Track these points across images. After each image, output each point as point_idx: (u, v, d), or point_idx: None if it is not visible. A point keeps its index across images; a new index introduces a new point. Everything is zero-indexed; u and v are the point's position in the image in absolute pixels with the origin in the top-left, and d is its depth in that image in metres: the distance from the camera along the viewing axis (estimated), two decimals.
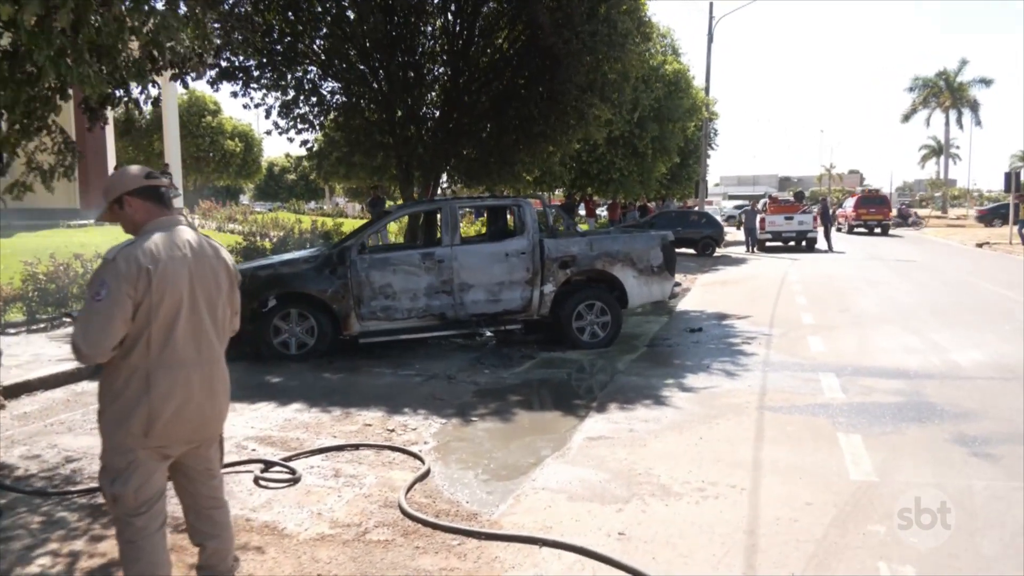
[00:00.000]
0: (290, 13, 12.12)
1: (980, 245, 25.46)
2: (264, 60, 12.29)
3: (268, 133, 12.37)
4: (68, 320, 8.39)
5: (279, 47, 12.36)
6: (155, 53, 4.84)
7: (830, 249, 24.34)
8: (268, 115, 12.55)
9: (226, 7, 11.31)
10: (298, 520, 4.04)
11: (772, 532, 3.81)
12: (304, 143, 13.19)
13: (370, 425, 5.77)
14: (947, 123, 61.66)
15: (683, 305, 12.55)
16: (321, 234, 16.27)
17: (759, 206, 27.20)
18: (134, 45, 5.43)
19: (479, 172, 13.94)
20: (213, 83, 11.77)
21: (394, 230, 18.42)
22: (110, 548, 3.54)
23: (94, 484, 4.29)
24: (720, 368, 7.61)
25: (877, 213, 33.77)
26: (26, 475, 4.71)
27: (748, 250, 25.22)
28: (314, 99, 13.14)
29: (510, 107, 12.78)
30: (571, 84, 11.73)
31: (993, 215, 39.44)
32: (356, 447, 5.24)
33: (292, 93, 12.61)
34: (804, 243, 25.00)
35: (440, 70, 13.89)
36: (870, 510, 4.05)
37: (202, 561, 2.93)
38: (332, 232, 16.74)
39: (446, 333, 8.55)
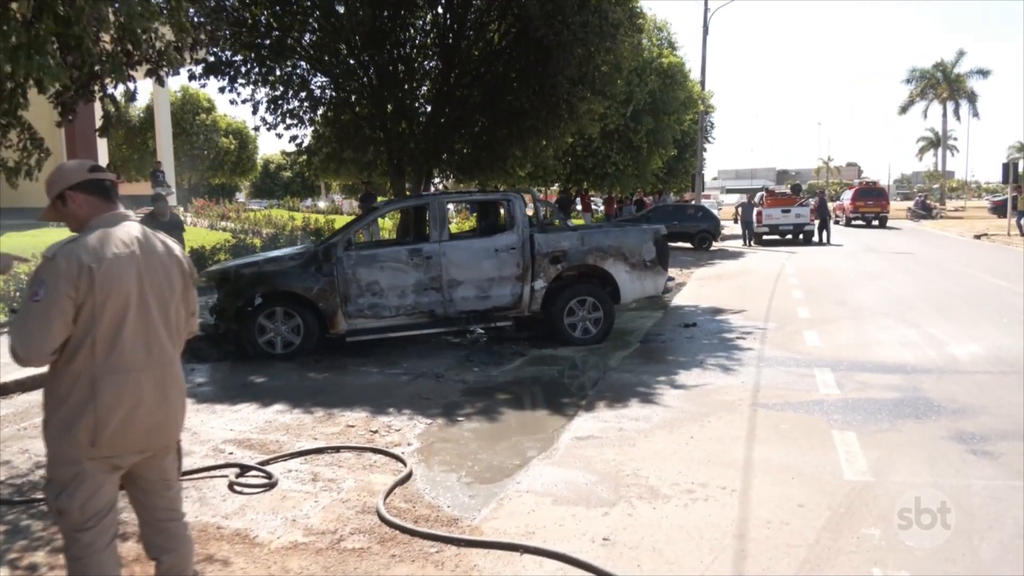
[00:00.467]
0: (278, 7, 11.94)
1: (978, 236, 25.32)
2: (251, 55, 12.11)
3: (256, 129, 12.16)
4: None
5: (267, 41, 12.18)
6: (130, 47, 4.66)
7: (827, 242, 24.19)
8: (255, 111, 12.37)
9: (212, 1, 11.19)
10: (271, 527, 3.89)
11: (762, 536, 3.66)
12: (293, 139, 13.01)
13: (353, 426, 5.62)
14: (945, 115, 61.58)
15: (678, 300, 12.41)
16: (312, 231, 16.09)
17: (756, 199, 27.03)
18: (109, 38, 5.27)
19: (471, 167, 13.77)
20: (193, 77, 11.59)
21: (389, 227, 18.27)
22: None
23: None
24: (714, 364, 7.46)
25: (875, 205, 33.62)
26: None
27: (745, 244, 25.08)
28: (303, 94, 12.96)
29: (502, 101, 12.60)
30: (562, 77, 11.55)
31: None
32: (337, 449, 5.09)
33: (280, 89, 12.41)
34: (801, 236, 24.85)
35: (431, 64, 13.71)
36: (864, 512, 3.90)
37: None
38: (324, 229, 16.57)
39: (435, 331, 8.41)
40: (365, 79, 12.73)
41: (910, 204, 47.76)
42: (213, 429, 5.55)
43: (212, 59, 11.95)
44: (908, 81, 61.22)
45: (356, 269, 8.01)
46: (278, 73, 12.60)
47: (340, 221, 20.89)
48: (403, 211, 11.76)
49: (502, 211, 9.26)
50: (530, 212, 9.70)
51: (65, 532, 2.49)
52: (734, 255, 21.57)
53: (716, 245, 24.11)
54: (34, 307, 2.29)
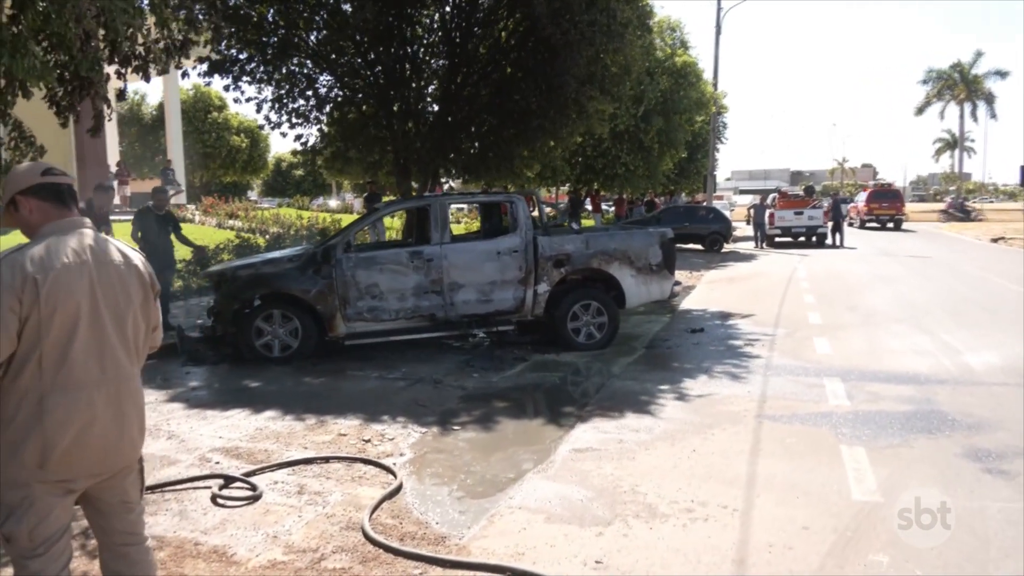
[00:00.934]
0: (284, 5, 11.81)
1: (995, 240, 24.90)
2: (256, 54, 12.00)
3: (261, 128, 12.03)
4: None
5: (272, 39, 12.07)
6: (115, 44, 4.54)
7: (840, 245, 23.85)
8: (259, 109, 12.26)
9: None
10: (251, 544, 3.74)
11: (763, 561, 3.47)
12: (298, 138, 12.90)
13: (345, 435, 5.46)
14: (962, 116, 60.87)
15: (686, 303, 12.19)
16: (318, 231, 15.98)
17: (768, 201, 26.71)
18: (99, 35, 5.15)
19: (478, 167, 13.61)
20: (186, 75, 11.46)
21: (397, 227, 18.14)
22: None
23: None
24: (720, 372, 7.26)
25: (890, 208, 33.20)
26: None
27: (757, 246, 24.78)
28: (308, 93, 12.86)
29: (509, 100, 12.44)
30: (570, 76, 11.37)
31: None
32: (326, 460, 4.94)
33: (285, 87, 12.30)
34: (814, 238, 24.52)
35: (438, 63, 13.56)
36: (872, 536, 3.70)
37: None
38: (330, 229, 16.45)
39: (436, 334, 8.24)
40: (371, 78, 12.61)
41: (942, 206, 47.04)
42: (202, 436, 5.42)
43: (217, 57, 11.86)
44: (924, 82, 60.57)
45: (355, 271, 7.86)
46: (284, 71, 12.50)
47: (348, 220, 20.79)
48: (408, 212, 11.61)
49: (505, 213, 9.08)
50: (544, 212, 9.53)
51: (13, 559, 2.33)
52: (746, 257, 21.30)
53: (728, 247, 23.85)
54: None
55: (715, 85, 27.07)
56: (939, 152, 69.28)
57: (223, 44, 11.64)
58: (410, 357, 8.05)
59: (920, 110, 61.81)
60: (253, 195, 55.34)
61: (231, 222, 19.98)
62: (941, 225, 37.47)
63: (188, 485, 4.48)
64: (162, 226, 8.87)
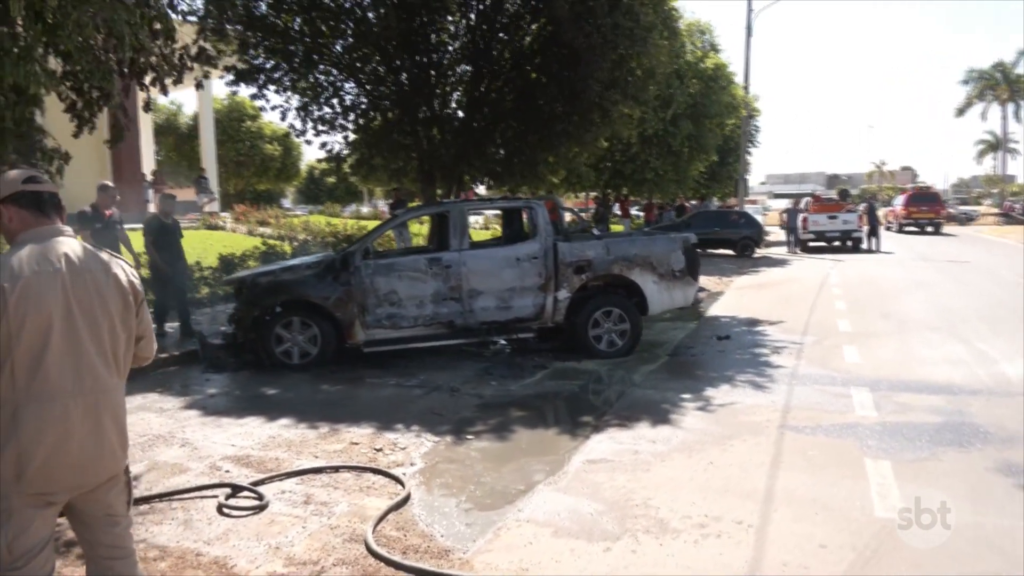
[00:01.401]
0: (312, 13, 11.89)
1: None
2: (282, 62, 12.10)
3: (287, 136, 12.09)
4: None
5: (299, 47, 12.16)
6: (121, 55, 4.55)
7: (877, 249, 23.31)
8: (283, 118, 12.36)
9: (241, 8, 11.21)
10: (252, 555, 3.69)
11: None
12: (323, 145, 12.98)
13: (357, 443, 5.42)
14: (1004, 117, 59.30)
15: (714, 310, 11.98)
16: (344, 238, 16.06)
17: (802, 204, 26.22)
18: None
19: (502, 173, 13.54)
20: (200, 86, 11.58)
21: (424, 233, 18.13)
22: None
23: None
24: (744, 381, 7.08)
25: (929, 211, 32.38)
26: None
27: (790, 250, 24.34)
28: (334, 101, 12.92)
29: (533, 105, 12.36)
30: (593, 80, 11.25)
31: None
32: (336, 469, 4.89)
33: (309, 95, 12.37)
34: (849, 243, 24.00)
35: (462, 69, 13.53)
36: (894, 556, 3.53)
37: None
38: (356, 236, 16.51)
39: (455, 342, 8.18)
40: (395, 85, 12.62)
41: (1000, 209, 45.63)
42: (215, 444, 5.41)
43: (244, 66, 11.99)
44: (965, 82, 59.09)
45: (374, 278, 7.84)
46: (310, 80, 12.59)
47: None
48: (432, 219, 11.57)
49: (525, 219, 9.00)
50: (563, 217, 9.44)
51: None
52: (778, 262, 20.91)
53: (759, 252, 23.44)
54: None
55: (746, 88, 26.69)
56: (981, 154, 67.47)
57: (249, 53, 11.78)
58: (429, 364, 7.99)
59: (961, 111, 60.34)
60: (287, 203, 56.10)
61: (261, 229, 20.18)
62: (982, 229, 36.45)
63: (196, 494, 4.47)
64: (171, 233, 8.98)
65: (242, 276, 8.40)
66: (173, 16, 4.84)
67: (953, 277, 15.32)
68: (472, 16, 12.77)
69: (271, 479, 4.69)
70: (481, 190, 19.19)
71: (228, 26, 11.44)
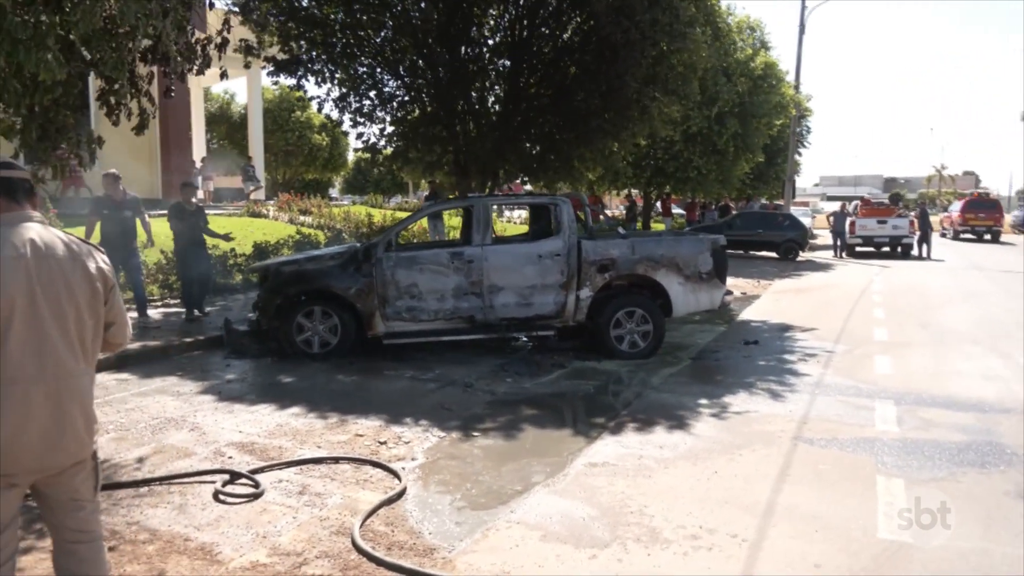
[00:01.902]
0: (354, 5, 11.97)
1: None
2: (322, 53, 12.21)
3: (324, 127, 12.20)
4: None
5: (339, 39, 12.27)
6: (131, 44, 4.63)
7: (927, 256, 22.54)
8: (320, 108, 12.48)
9: (284, 1, 11.35)
10: (238, 543, 3.72)
11: None
12: (359, 136, 13.07)
13: (362, 435, 5.43)
14: None
15: (746, 314, 11.72)
16: (379, 229, 16.18)
17: (850, 208, 25.50)
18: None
19: (537, 169, 13.46)
20: (225, 76, 11.76)
21: (457, 225, 18.16)
22: None
23: None
24: (764, 388, 6.89)
25: (987, 218, 31.16)
26: None
27: (836, 255, 23.71)
28: (372, 93, 13.00)
29: (571, 101, 12.23)
30: (630, 76, 11.07)
31: None
32: (336, 460, 4.91)
33: (347, 86, 12.47)
34: (899, 249, 23.24)
35: (502, 62, 13.47)
36: None
37: None
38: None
39: (475, 337, 8.14)
40: (433, 78, 12.63)
41: None
42: (223, 430, 5.48)
43: (285, 57, 12.15)
44: None
45: (395, 270, 7.85)
46: (349, 72, 12.68)
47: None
48: (463, 212, 11.57)
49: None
50: (589, 215, 9.31)
51: None
52: (821, 267, 20.39)
53: (804, 256, 22.88)
54: None
55: (797, 87, 26.02)
56: None
57: (290, 44, 11.93)
58: (447, 359, 7.98)
59: None
60: (335, 192, 56.86)
61: (302, 218, 20.47)
62: None
63: (196, 479, 4.52)
64: (193, 220, 9.19)
65: (267, 264, 8.51)
66: (212, 4, 4.87)
67: (1004, 288, 14.71)
68: (513, 10, 12.70)
69: (270, 467, 4.72)
70: (528, 187, 19.17)
71: (270, 17, 11.62)
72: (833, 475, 4.69)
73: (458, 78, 12.40)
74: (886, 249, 23.52)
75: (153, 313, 9.70)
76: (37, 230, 2.35)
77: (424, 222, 16.37)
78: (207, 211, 10.59)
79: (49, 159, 5.92)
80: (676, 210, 30.70)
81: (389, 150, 13.39)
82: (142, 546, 3.66)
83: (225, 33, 5.68)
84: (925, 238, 23.00)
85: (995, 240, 30.77)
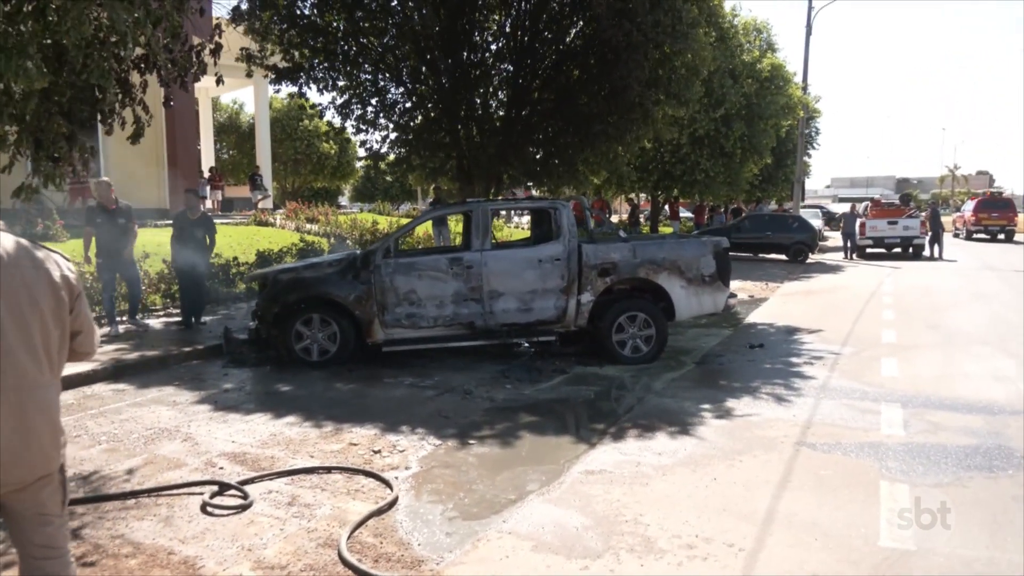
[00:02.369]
0: (359, 12, 11.96)
1: None
2: (323, 61, 12.21)
3: (327, 134, 12.16)
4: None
5: (342, 47, 12.26)
6: (122, 52, 4.58)
7: (939, 257, 22.28)
8: (322, 116, 12.46)
9: (284, 9, 11.36)
10: (222, 557, 3.64)
11: None
12: (362, 144, 13.06)
13: (356, 444, 5.35)
14: None
15: (753, 316, 11.58)
16: (383, 236, 16.13)
17: (860, 209, 25.26)
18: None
19: (540, 173, 13.39)
20: (221, 82, 11.79)
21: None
22: None
23: None
24: (768, 392, 6.77)
25: (1000, 218, 30.80)
26: None
27: (846, 257, 23.47)
28: (374, 101, 12.98)
29: (574, 105, 12.17)
30: (633, 79, 10.99)
31: None
32: (328, 470, 4.83)
33: (350, 93, 12.46)
34: (911, 250, 22.98)
35: (504, 67, 13.43)
36: None
37: None
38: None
39: (475, 343, 8.06)
40: (434, 83, 12.60)
41: None
42: (216, 440, 5.42)
43: (285, 64, 12.16)
44: None
45: (394, 277, 7.79)
46: (351, 79, 12.67)
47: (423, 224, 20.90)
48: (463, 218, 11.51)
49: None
50: (589, 219, 9.23)
51: None
52: (831, 269, 20.17)
53: (813, 258, 22.67)
54: None
55: (804, 88, 25.83)
56: None
57: (292, 52, 11.93)
58: (447, 365, 7.90)
59: None
60: (344, 200, 57.02)
61: (309, 226, 20.47)
62: None
63: (183, 491, 4.46)
64: (194, 230, 9.23)
65: (265, 272, 8.48)
66: (203, 11, 4.84)
67: (1016, 289, 14.47)
68: (515, 15, 12.66)
69: (260, 478, 4.65)
70: (535, 192, 19.11)
71: (272, 26, 11.65)
72: (835, 481, 4.57)
73: (460, 84, 12.37)
74: (897, 250, 23.28)
75: (154, 322, 9.69)
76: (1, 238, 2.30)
77: (430, 228, 16.34)
78: (217, 220, 10.70)
79: (45, 168, 5.88)
80: (684, 213, 30.56)
81: (392, 157, 13.35)
82: (124, 560, 3.59)
83: (217, 38, 5.64)
84: (936, 238, 22.75)
85: (1009, 240, 30.41)
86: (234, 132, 41.34)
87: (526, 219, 33.50)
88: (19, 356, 2.27)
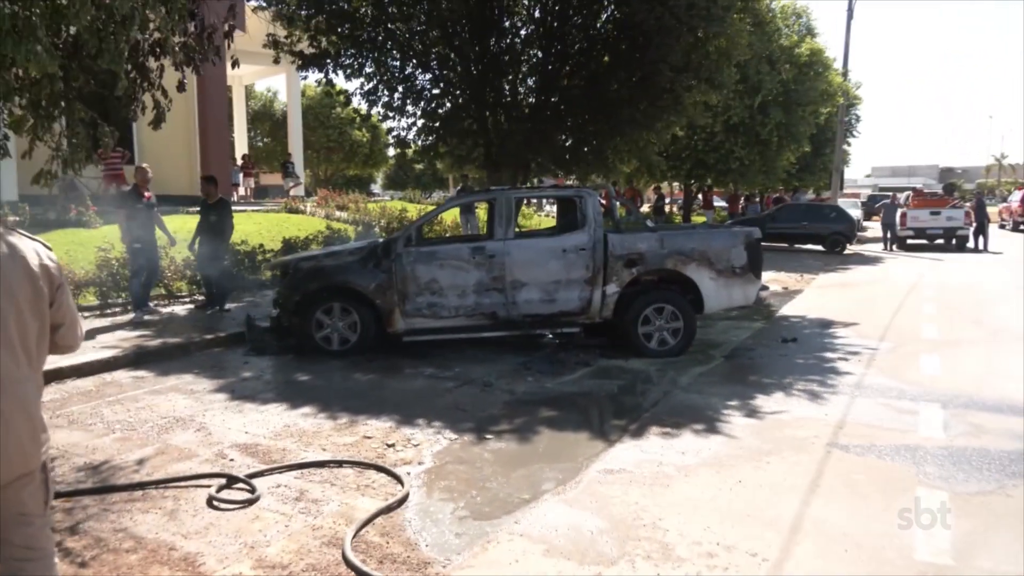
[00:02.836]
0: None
1: None
2: (350, 47, 12.08)
3: (353, 121, 12.08)
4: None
5: (369, 33, 12.12)
6: (136, 35, 4.49)
7: (984, 249, 21.53)
8: (348, 103, 12.34)
9: None
10: (224, 554, 3.54)
11: None
12: (389, 131, 12.92)
13: (370, 437, 5.23)
14: None
15: (787, 309, 11.24)
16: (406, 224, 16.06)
17: (900, 199, 24.52)
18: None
19: (569, 161, 13.13)
20: (236, 65, 11.72)
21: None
22: None
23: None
24: (800, 389, 6.50)
25: None
26: None
27: (885, 248, 22.83)
28: (401, 87, 12.82)
29: (604, 91, 11.89)
30: (664, 64, 10.68)
31: None
32: (339, 464, 4.71)
33: (375, 80, 12.32)
34: (954, 242, 22.25)
35: (533, 53, 13.18)
36: None
37: None
38: None
39: (497, 334, 7.90)
40: (462, 69, 12.41)
41: None
42: (229, 431, 5.34)
43: (312, 51, 12.06)
44: None
45: (415, 266, 7.66)
46: (379, 65, 12.53)
47: (450, 211, 20.78)
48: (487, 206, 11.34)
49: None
50: (616, 208, 8.99)
51: None
52: (870, 260, 19.62)
53: (851, 248, 22.08)
54: None
55: (844, 75, 25.09)
56: None
57: (318, 39, 11.83)
58: (468, 356, 7.76)
59: None
60: (376, 188, 57.22)
61: (339, 213, 20.49)
62: None
63: (191, 483, 4.38)
64: (208, 214, 9.33)
65: (286, 260, 8.41)
66: None
67: None
68: None
69: (270, 471, 4.55)
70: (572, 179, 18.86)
71: (300, 12, 11.56)
72: (868, 487, 4.33)
73: (489, 70, 12.16)
74: (940, 242, 22.57)
75: (179, 309, 9.71)
76: None
77: (458, 216, 16.21)
78: (248, 208, 10.71)
79: (63, 154, 5.84)
80: (718, 202, 30.02)
81: (419, 144, 13.21)
82: (124, 555, 3.51)
83: (231, 22, 5.53)
84: (981, 229, 22.01)
85: None
86: (268, 120, 41.65)
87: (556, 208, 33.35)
88: None
